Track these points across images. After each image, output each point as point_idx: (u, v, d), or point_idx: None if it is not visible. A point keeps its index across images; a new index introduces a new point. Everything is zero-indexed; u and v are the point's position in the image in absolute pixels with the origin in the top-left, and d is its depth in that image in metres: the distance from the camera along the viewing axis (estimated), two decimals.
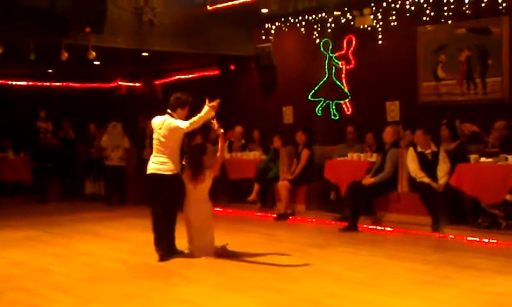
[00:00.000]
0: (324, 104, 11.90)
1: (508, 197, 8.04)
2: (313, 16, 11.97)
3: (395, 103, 10.90)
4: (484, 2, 9.59)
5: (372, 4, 11.00)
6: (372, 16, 11.03)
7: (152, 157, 7.26)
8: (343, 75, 11.64)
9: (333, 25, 11.66)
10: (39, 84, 16.71)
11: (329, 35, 11.74)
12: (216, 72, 14.49)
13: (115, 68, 15.97)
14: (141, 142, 12.51)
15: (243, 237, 8.61)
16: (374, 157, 9.87)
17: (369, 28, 11.10)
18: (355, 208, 9.19)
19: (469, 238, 8.10)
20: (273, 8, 12.03)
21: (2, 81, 16.20)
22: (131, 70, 16.21)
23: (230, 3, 11.67)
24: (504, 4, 9.41)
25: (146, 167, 7.29)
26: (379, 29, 11.00)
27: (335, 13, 11.55)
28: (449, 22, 10.03)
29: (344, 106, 11.64)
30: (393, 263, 6.83)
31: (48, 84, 16.86)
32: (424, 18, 10.32)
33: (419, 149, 8.99)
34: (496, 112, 9.23)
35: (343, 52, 11.61)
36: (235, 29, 12.74)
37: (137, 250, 7.74)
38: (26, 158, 14.14)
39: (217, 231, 7.41)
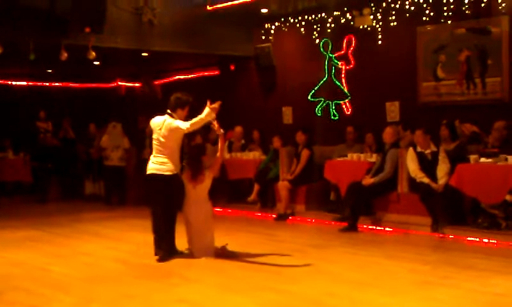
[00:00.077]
0: (324, 104, 11.90)
1: (508, 197, 8.05)
2: (313, 16, 11.97)
3: (394, 104, 10.90)
4: (483, 2, 9.59)
5: (372, 4, 11.00)
6: (371, 17, 11.03)
7: (151, 157, 7.26)
8: (343, 76, 11.64)
9: (332, 25, 11.67)
10: (39, 84, 16.70)
11: (328, 35, 11.73)
12: (216, 72, 14.49)
13: (115, 68, 15.97)
14: (141, 143, 12.51)
15: (243, 237, 8.61)
16: (373, 157, 9.87)
17: (369, 28, 11.10)
18: (355, 209, 9.19)
19: (469, 239, 8.11)
20: (273, 8, 12.02)
21: (2, 81, 16.19)
22: (131, 70, 16.21)
23: (229, 3, 11.66)
24: (504, 4, 9.41)
25: (146, 168, 7.30)
26: (379, 29, 11.00)
27: (335, 13, 11.55)
28: (449, 22, 10.03)
29: (344, 106, 11.64)
30: (393, 264, 6.83)
31: (48, 84, 16.86)
32: (424, 18, 10.32)
33: (419, 149, 8.99)
34: (496, 113, 9.23)
35: (343, 52, 11.61)
36: (234, 29, 12.74)
37: (137, 250, 7.74)
38: (26, 158, 14.14)
39: (217, 232, 7.42)
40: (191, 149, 7.58)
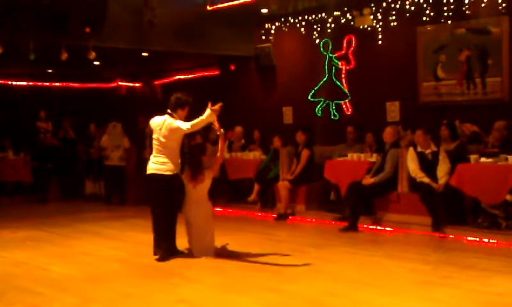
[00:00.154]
0: (324, 104, 11.90)
1: (508, 197, 8.05)
2: (313, 16, 11.98)
3: (395, 104, 10.90)
4: (483, 2, 9.60)
5: (372, 4, 11.01)
6: (371, 17, 11.04)
7: (151, 157, 7.26)
8: (343, 75, 11.64)
9: (332, 25, 11.67)
10: (39, 84, 16.71)
11: (329, 35, 11.74)
12: (216, 72, 14.50)
13: (115, 68, 15.97)
14: (141, 142, 12.51)
15: (243, 237, 8.61)
16: (374, 157, 9.87)
17: (369, 28, 11.11)
18: (355, 208, 9.19)
19: (469, 238, 8.11)
20: (273, 8, 12.03)
21: (2, 81, 16.20)
22: (131, 70, 16.22)
23: (229, 3, 11.66)
24: (504, 4, 9.42)
25: (146, 167, 7.30)
26: (379, 29, 11.01)
27: (335, 13, 11.56)
28: (449, 22, 10.04)
29: (344, 106, 11.64)
30: (393, 263, 6.83)
31: (48, 84, 16.86)
32: (424, 18, 10.32)
33: (419, 149, 8.99)
34: (496, 112, 9.24)
35: (343, 52, 11.62)
36: (235, 29, 12.74)
37: (137, 250, 7.74)
38: (26, 158, 14.14)
39: (217, 231, 7.42)
40: (191, 149, 7.58)
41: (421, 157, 8.93)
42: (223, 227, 8.73)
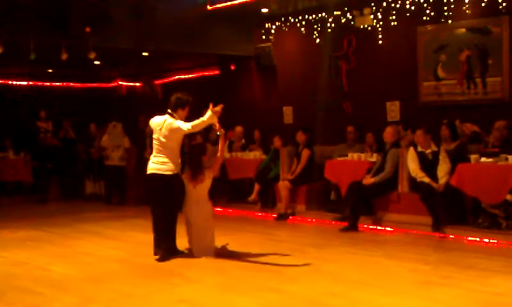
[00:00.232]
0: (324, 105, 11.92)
1: (508, 197, 8.04)
2: (314, 16, 11.97)
3: (395, 103, 10.90)
4: (484, 2, 9.59)
5: (372, 4, 11.00)
6: (372, 16, 11.03)
7: (151, 157, 7.26)
8: (343, 75, 11.64)
9: (333, 25, 11.67)
10: (39, 83, 16.72)
11: (329, 35, 11.74)
12: (216, 72, 14.51)
13: (115, 68, 15.97)
14: (142, 142, 12.51)
15: (243, 237, 8.61)
16: (374, 157, 9.87)
17: (369, 28, 11.11)
18: (355, 208, 9.19)
19: (469, 238, 8.10)
20: (273, 8, 12.03)
21: (3, 81, 16.21)
22: (131, 69, 16.22)
23: (230, 3, 11.67)
24: (504, 4, 9.42)
25: (147, 167, 7.29)
26: (379, 29, 11.00)
27: (335, 12, 11.56)
28: (449, 21, 10.04)
29: (344, 106, 11.64)
30: (393, 263, 6.83)
31: (48, 83, 16.87)
32: (424, 17, 10.32)
33: (419, 149, 8.99)
34: (497, 112, 9.24)
35: (343, 51, 11.61)
36: (235, 28, 12.75)
37: (138, 250, 7.74)
38: (26, 158, 14.14)
39: (218, 231, 7.42)
40: (192, 149, 7.57)
41: (421, 157, 8.93)
42: (223, 227, 8.73)
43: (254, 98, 13.53)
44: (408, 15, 10.56)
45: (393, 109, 10.92)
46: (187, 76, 15.26)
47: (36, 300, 5.56)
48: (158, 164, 7.13)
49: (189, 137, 7.82)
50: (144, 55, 12.93)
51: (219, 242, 7.31)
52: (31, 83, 16.62)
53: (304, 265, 6.73)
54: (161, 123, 7.15)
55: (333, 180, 10.21)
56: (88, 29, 10.16)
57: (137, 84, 16.95)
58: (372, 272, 6.44)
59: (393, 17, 10.77)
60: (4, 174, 13.92)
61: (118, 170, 13.08)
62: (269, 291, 5.69)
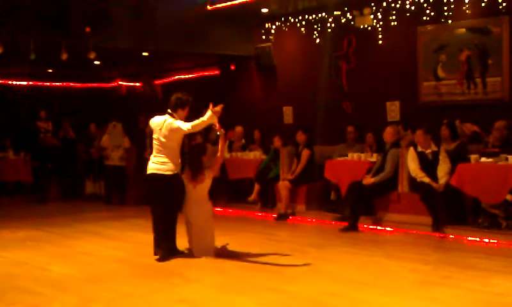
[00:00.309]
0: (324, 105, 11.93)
1: (508, 197, 8.04)
2: (314, 16, 11.97)
3: (395, 103, 10.90)
4: (484, 2, 9.59)
5: (372, 4, 11.00)
6: (372, 16, 11.03)
7: (151, 157, 7.25)
8: (343, 75, 11.64)
9: (333, 25, 11.67)
10: (39, 83, 16.72)
11: (329, 35, 11.74)
12: (216, 72, 14.51)
13: (115, 68, 15.98)
14: (142, 142, 12.52)
15: (243, 237, 8.60)
16: (374, 157, 9.86)
17: (369, 28, 11.11)
18: (355, 208, 9.19)
19: (469, 238, 8.10)
20: (273, 8, 12.03)
21: (3, 81, 16.21)
22: (131, 69, 16.22)
23: (230, 3, 11.67)
24: (504, 4, 9.41)
25: (147, 167, 7.29)
26: (379, 29, 11.00)
27: (335, 12, 11.55)
28: (449, 21, 10.03)
29: (344, 106, 11.64)
30: (393, 263, 6.83)
31: (48, 83, 16.87)
32: (424, 17, 10.32)
33: (419, 149, 8.98)
34: (497, 112, 9.24)
35: (343, 52, 11.61)
36: (235, 28, 12.75)
37: (138, 250, 7.74)
38: (26, 158, 14.14)
39: (218, 231, 7.42)
40: (192, 149, 7.57)
41: (421, 157, 8.93)
42: (223, 227, 8.73)
43: (254, 98, 13.53)
44: (407, 15, 10.56)
45: (393, 109, 10.92)
46: (187, 76, 15.26)
47: (36, 300, 5.56)
48: (158, 164, 7.12)
49: (189, 137, 7.82)
50: (144, 55, 12.93)
51: (219, 242, 7.31)
52: (31, 83, 16.63)
53: (304, 265, 6.73)
54: (161, 123, 7.15)
55: (333, 180, 10.21)
56: (88, 29, 10.16)
57: (137, 84, 16.95)
58: (372, 272, 6.44)
59: (393, 17, 10.77)
60: (4, 174, 13.92)
61: (118, 170, 13.08)
62: (269, 291, 5.69)
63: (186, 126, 7.00)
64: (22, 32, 9.97)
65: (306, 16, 12.11)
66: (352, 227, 9.04)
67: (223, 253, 7.20)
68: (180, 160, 7.23)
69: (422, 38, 10.43)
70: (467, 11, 9.81)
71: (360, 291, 5.64)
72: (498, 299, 5.38)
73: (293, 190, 10.60)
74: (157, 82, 16.06)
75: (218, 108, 6.93)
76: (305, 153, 10.62)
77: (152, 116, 7.39)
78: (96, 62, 13.40)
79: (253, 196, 11.26)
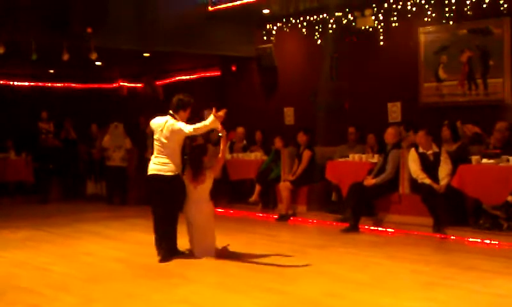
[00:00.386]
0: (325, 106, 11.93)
1: (510, 198, 8.04)
2: (315, 17, 11.97)
3: (396, 104, 10.90)
4: (485, 3, 9.58)
5: (374, 5, 11.00)
6: (373, 17, 11.03)
7: (152, 158, 7.25)
8: (344, 76, 11.63)
9: (334, 26, 11.66)
10: (40, 84, 16.73)
11: (330, 36, 11.73)
12: (217, 73, 14.50)
13: (117, 69, 15.98)
14: (143, 143, 12.53)
15: (244, 238, 8.60)
16: (375, 158, 9.86)
17: (370, 29, 11.10)
18: (356, 209, 9.18)
19: (470, 240, 8.09)
20: (274, 9, 12.03)
21: (4, 82, 16.22)
22: (133, 70, 16.23)
23: (231, 4, 11.67)
24: (505, 5, 9.41)
25: (148, 168, 7.29)
26: (381, 30, 10.99)
27: (336, 14, 11.54)
28: (450, 23, 10.03)
29: (346, 107, 11.63)
30: (394, 264, 6.82)
31: (49, 84, 16.88)
32: (425, 19, 10.32)
33: (421, 150, 8.98)
34: (498, 114, 9.24)
35: (344, 53, 11.60)
36: (236, 29, 12.75)
37: (139, 250, 7.74)
38: (28, 158, 14.16)
39: (219, 232, 7.41)
40: (193, 150, 7.57)
41: (422, 158, 8.92)
42: (224, 227, 8.73)
43: (255, 99, 13.52)
44: (409, 16, 10.55)
45: (395, 110, 10.92)
46: (188, 77, 15.26)
47: (36, 300, 5.56)
48: (159, 164, 7.12)
49: (190, 138, 7.81)
50: (145, 56, 12.93)
51: (220, 243, 7.30)
52: (32, 84, 16.63)
53: (305, 265, 6.72)
54: (162, 124, 7.15)
55: (334, 181, 10.21)
56: (89, 30, 10.16)
57: (139, 85, 16.95)
58: (373, 273, 6.43)
59: (395, 18, 10.76)
60: (5, 174, 13.94)
61: (120, 171, 13.09)
62: (270, 291, 5.69)
63: (188, 128, 7.00)
64: (22, 32, 9.97)
65: (308, 17, 12.10)
66: (353, 228, 9.04)
67: (224, 254, 7.20)
68: (181, 161, 7.23)
69: (423, 39, 10.43)
70: (468, 12, 9.80)
71: (361, 292, 5.64)
72: (499, 300, 5.38)
73: (294, 191, 10.59)
74: (158, 82, 16.07)
75: (221, 113, 6.93)
76: (306, 154, 10.62)
77: (153, 117, 7.38)
78: (98, 63, 13.40)
79: (254, 197, 11.26)
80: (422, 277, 6.19)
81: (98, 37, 10.47)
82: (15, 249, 8.07)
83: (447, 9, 10.03)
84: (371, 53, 11.23)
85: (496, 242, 7.88)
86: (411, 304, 5.29)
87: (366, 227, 9.24)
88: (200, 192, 7.23)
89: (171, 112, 7.19)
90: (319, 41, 11.93)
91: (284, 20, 12.55)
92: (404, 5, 10.58)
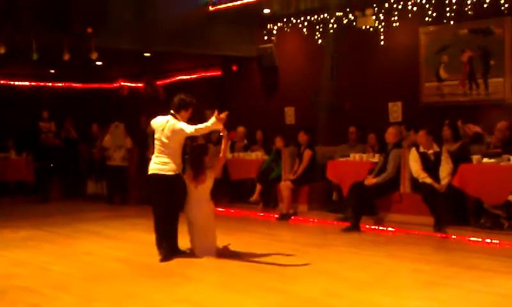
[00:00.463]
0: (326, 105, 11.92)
1: (510, 197, 8.04)
2: (315, 16, 11.96)
3: (397, 104, 10.90)
4: (486, 2, 9.58)
5: (374, 5, 10.99)
6: (374, 17, 11.02)
7: (153, 157, 7.25)
8: (345, 76, 11.63)
9: (335, 25, 11.65)
10: (41, 84, 16.73)
11: (331, 36, 11.72)
12: (218, 73, 14.50)
13: (117, 69, 15.98)
14: (144, 142, 12.53)
15: (245, 237, 8.60)
16: (376, 158, 9.86)
17: (371, 29, 11.09)
18: (357, 209, 9.18)
19: (471, 239, 8.08)
20: (275, 9, 12.03)
21: (5, 81, 16.21)
22: (133, 70, 16.22)
23: (231, 4, 11.67)
24: (506, 5, 9.41)
25: (148, 167, 7.29)
26: (381, 30, 10.99)
27: (337, 13, 11.54)
28: (451, 22, 10.02)
29: (347, 106, 11.63)
30: (395, 264, 6.81)
31: (50, 84, 16.88)
32: (426, 18, 10.31)
33: (422, 149, 8.97)
34: (499, 113, 9.23)
35: (345, 52, 11.60)
36: (237, 29, 12.74)
37: (139, 250, 7.73)
38: (28, 158, 14.17)
39: (220, 231, 7.41)
40: (193, 149, 7.57)
41: (423, 158, 8.92)
42: (225, 227, 8.72)
43: (256, 98, 13.52)
44: (409, 15, 10.55)
45: (396, 110, 10.92)
46: (189, 77, 15.25)
47: (36, 300, 5.56)
48: (159, 164, 7.12)
49: (191, 137, 7.81)
50: (146, 56, 12.93)
51: (221, 242, 7.30)
52: (33, 84, 16.63)
53: (306, 265, 6.72)
54: (163, 124, 7.14)
55: (335, 181, 10.20)
56: (89, 30, 10.16)
57: (139, 85, 16.95)
58: (374, 272, 6.43)
59: (395, 18, 10.76)
60: (6, 174, 13.96)
61: (120, 170, 13.09)
62: (271, 291, 5.68)
63: (189, 129, 7.00)
64: (23, 32, 9.97)
65: (308, 17, 12.10)
66: (354, 227, 9.03)
67: (225, 253, 7.20)
68: (181, 161, 7.22)
69: (424, 39, 10.42)
70: (469, 12, 9.80)
71: (361, 292, 5.63)
72: (500, 299, 5.37)
73: (295, 190, 10.59)
74: (159, 82, 16.07)
75: (223, 115, 6.93)
76: (307, 154, 10.61)
77: (154, 117, 7.38)
78: (99, 63, 13.40)
79: (255, 196, 11.26)
80: (423, 276, 6.19)
81: (98, 37, 10.46)
82: (15, 249, 8.07)
83: (447, 9, 10.03)
84: (372, 53, 11.23)
85: (497, 241, 7.87)
86: (412, 303, 5.29)
87: (367, 226, 9.23)
88: (200, 192, 7.23)
89: (172, 111, 7.18)
90: (319, 41, 11.93)
91: (285, 19, 12.55)
92: (405, 5, 10.58)
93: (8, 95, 16.09)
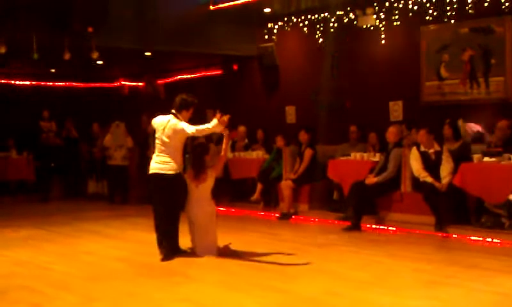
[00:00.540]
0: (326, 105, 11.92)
1: (511, 196, 8.02)
2: (316, 15, 11.96)
3: (398, 103, 10.89)
4: (487, 1, 9.57)
5: (375, 4, 10.98)
6: (374, 16, 11.01)
7: (154, 157, 7.25)
8: (345, 75, 11.62)
9: (335, 24, 11.65)
10: (42, 83, 16.73)
11: (331, 35, 11.72)
12: (219, 72, 14.49)
13: (118, 68, 15.98)
14: (144, 142, 12.54)
15: (246, 236, 8.60)
16: (377, 157, 9.85)
17: (372, 28, 11.09)
18: (358, 208, 9.18)
19: (472, 238, 8.08)
20: (276, 8, 12.02)
21: (6, 81, 16.22)
22: (134, 69, 16.22)
23: (232, 3, 11.66)
24: (507, 4, 9.40)
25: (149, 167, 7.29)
26: (382, 29, 10.98)
27: (338, 12, 11.53)
28: (452, 21, 10.01)
29: (347, 105, 11.62)
30: (396, 263, 6.81)
31: (51, 83, 16.88)
32: (427, 17, 10.30)
33: (422, 148, 8.97)
34: (500, 112, 9.22)
35: (345, 51, 11.59)
36: (237, 28, 12.73)
37: (140, 249, 7.74)
38: (29, 157, 14.17)
39: (220, 231, 7.41)
40: (194, 149, 7.56)
41: (424, 157, 8.91)
42: (226, 226, 8.72)
43: (257, 97, 13.52)
44: (410, 14, 10.54)
45: (396, 109, 10.91)
46: (189, 76, 15.24)
47: (37, 299, 5.56)
48: (160, 163, 7.12)
49: (191, 136, 7.81)
50: (146, 55, 12.92)
51: (222, 241, 7.30)
52: (34, 83, 16.63)
53: (307, 264, 6.72)
54: (165, 123, 7.14)
55: (335, 180, 10.20)
56: (90, 29, 10.16)
57: (140, 84, 16.94)
58: (375, 271, 6.42)
59: (396, 17, 10.75)
60: (7, 173, 13.97)
61: (121, 169, 13.09)
62: (272, 290, 5.68)
63: (190, 129, 7.00)
64: (23, 31, 9.97)
65: (309, 16, 12.09)
66: (355, 226, 9.03)
67: (226, 252, 7.20)
68: (182, 160, 7.22)
69: (425, 38, 10.42)
70: (470, 11, 9.78)
71: (362, 291, 5.63)
72: (501, 298, 5.37)
73: (296, 189, 10.59)
74: (160, 82, 16.07)
75: (225, 118, 6.93)
76: (308, 153, 10.61)
77: (155, 116, 7.38)
78: (99, 62, 13.40)
79: (255, 196, 11.26)
80: (424, 275, 6.19)
81: (99, 36, 10.46)
82: (16, 248, 8.08)
83: (448, 8, 10.02)
84: (373, 52, 11.22)
85: (498, 241, 7.87)
86: (413, 302, 5.28)
87: (368, 225, 9.23)
88: (201, 191, 7.23)
89: (173, 111, 7.18)
90: (320, 40, 11.92)
91: (285, 19, 12.54)
92: (406, 4, 10.57)
93: (8, 95, 16.10)
